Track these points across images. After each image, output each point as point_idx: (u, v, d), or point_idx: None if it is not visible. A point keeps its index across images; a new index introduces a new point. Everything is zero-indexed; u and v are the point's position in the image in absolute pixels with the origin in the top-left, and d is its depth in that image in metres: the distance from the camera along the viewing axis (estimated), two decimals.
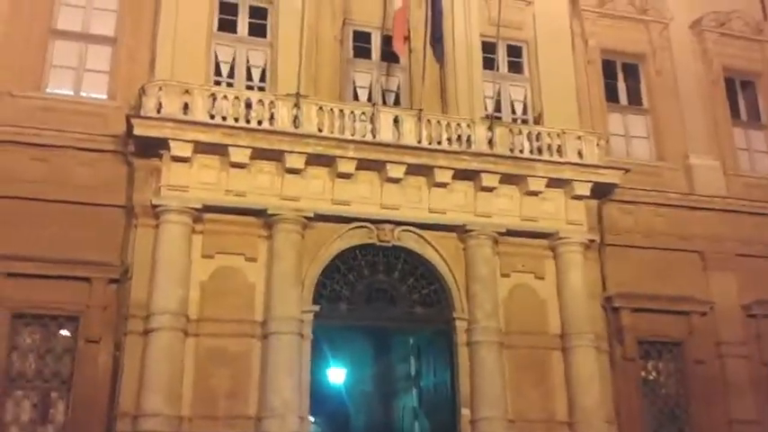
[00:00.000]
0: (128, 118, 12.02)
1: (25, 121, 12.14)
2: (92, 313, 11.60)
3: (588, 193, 13.98)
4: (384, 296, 13.16)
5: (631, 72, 16.66)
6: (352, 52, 14.84)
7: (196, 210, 12.13)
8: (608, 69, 16.35)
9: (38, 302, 11.45)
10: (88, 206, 12.02)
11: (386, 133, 13.08)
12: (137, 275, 11.87)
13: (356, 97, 14.52)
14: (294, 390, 11.69)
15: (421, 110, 13.45)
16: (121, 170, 12.35)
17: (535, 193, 13.77)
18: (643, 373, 14.11)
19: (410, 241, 13.33)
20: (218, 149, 12.25)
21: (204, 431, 11.40)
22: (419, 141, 13.20)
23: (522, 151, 13.73)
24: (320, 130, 12.71)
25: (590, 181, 13.90)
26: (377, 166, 13.02)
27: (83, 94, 13.08)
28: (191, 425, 11.35)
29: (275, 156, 12.51)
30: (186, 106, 12.20)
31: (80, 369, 11.40)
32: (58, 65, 13.12)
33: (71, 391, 11.34)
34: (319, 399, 14.22)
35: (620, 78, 16.51)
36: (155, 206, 12.04)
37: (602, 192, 14.23)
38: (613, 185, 14.20)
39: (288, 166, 12.53)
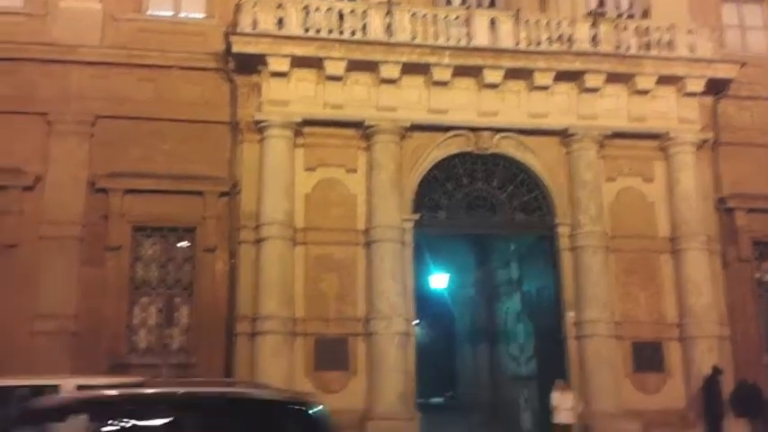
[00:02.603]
0: (226, 35, 12.28)
1: (129, 44, 12.64)
2: (207, 225, 12.26)
3: (701, 90, 13.29)
4: (484, 204, 13.15)
5: None
6: None
7: (296, 124, 12.39)
8: None
9: (156, 216, 12.18)
10: (196, 123, 12.54)
11: (482, 37, 12.74)
12: (245, 189, 12.39)
13: (449, 1, 14.14)
14: (399, 294, 12.05)
15: (518, 10, 12.99)
16: (224, 87, 12.71)
17: (644, 92, 13.19)
18: (758, 275, 13.63)
19: (509, 148, 13.15)
20: (314, 63, 12.36)
21: (317, 330, 12.02)
22: (517, 44, 12.81)
23: (628, 48, 13.11)
24: (414, 38, 12.54)
25: (703, 76, 13.19)
26: (474, 72, 12.77)
27: (182, 14, 13.39)
28: (304, 325, 11.99)
29: (370, 67, 12.49)
30: (281, 21, 12.31)
31: (199, 276, 12.18)
32: None
33: (192, 297, 12.17)
34: (424, 303, 14.60)
35: None
36: (257, 122, 12.38)
37: (716, 88, 13.47)
38: (728, 81, 13.40)
39: (383, 76, 12.50)
